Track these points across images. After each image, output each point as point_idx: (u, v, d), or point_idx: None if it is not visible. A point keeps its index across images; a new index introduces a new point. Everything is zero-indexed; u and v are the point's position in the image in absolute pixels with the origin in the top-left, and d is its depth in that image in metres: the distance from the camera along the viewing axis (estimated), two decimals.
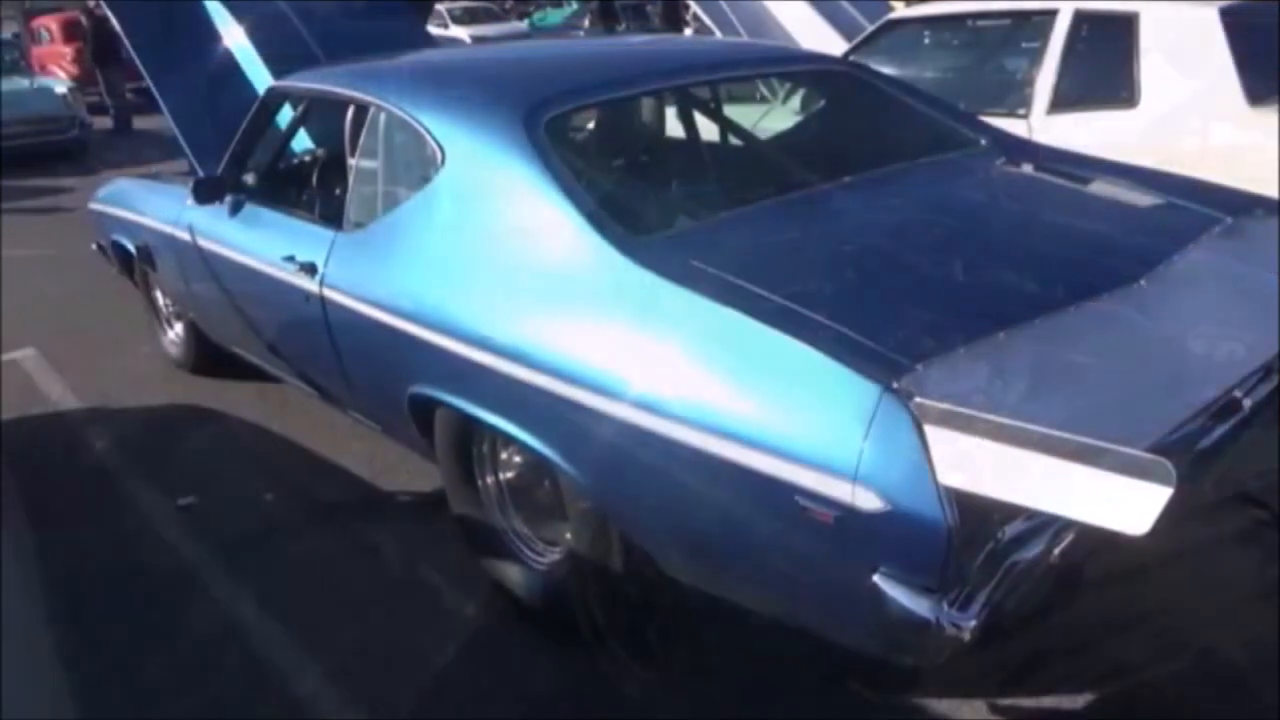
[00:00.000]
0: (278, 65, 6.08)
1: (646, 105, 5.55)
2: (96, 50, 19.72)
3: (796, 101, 7.59)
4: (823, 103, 6.20)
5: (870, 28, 8.24)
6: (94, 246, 7.25)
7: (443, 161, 3.90)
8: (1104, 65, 6.41)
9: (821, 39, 9.29)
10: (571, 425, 3.25)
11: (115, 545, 4.78)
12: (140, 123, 19.32)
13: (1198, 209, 3.83)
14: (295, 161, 5.94)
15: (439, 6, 31.25)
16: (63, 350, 7.35)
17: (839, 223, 3.72)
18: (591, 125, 5.43)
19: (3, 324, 7.48)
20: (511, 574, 3.95)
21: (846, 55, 7.37)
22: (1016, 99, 6.73)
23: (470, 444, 3.95)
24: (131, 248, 6.40)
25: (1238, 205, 3.84)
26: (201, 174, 5.45)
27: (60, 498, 5.21)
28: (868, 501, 2.49)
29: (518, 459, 3.93)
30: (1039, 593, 2.69)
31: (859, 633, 2.78)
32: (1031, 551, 2.62)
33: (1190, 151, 5.45)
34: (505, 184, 3.69)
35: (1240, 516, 3.51)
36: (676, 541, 3.23)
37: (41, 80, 18.51)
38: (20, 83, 17.57)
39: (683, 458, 2.89)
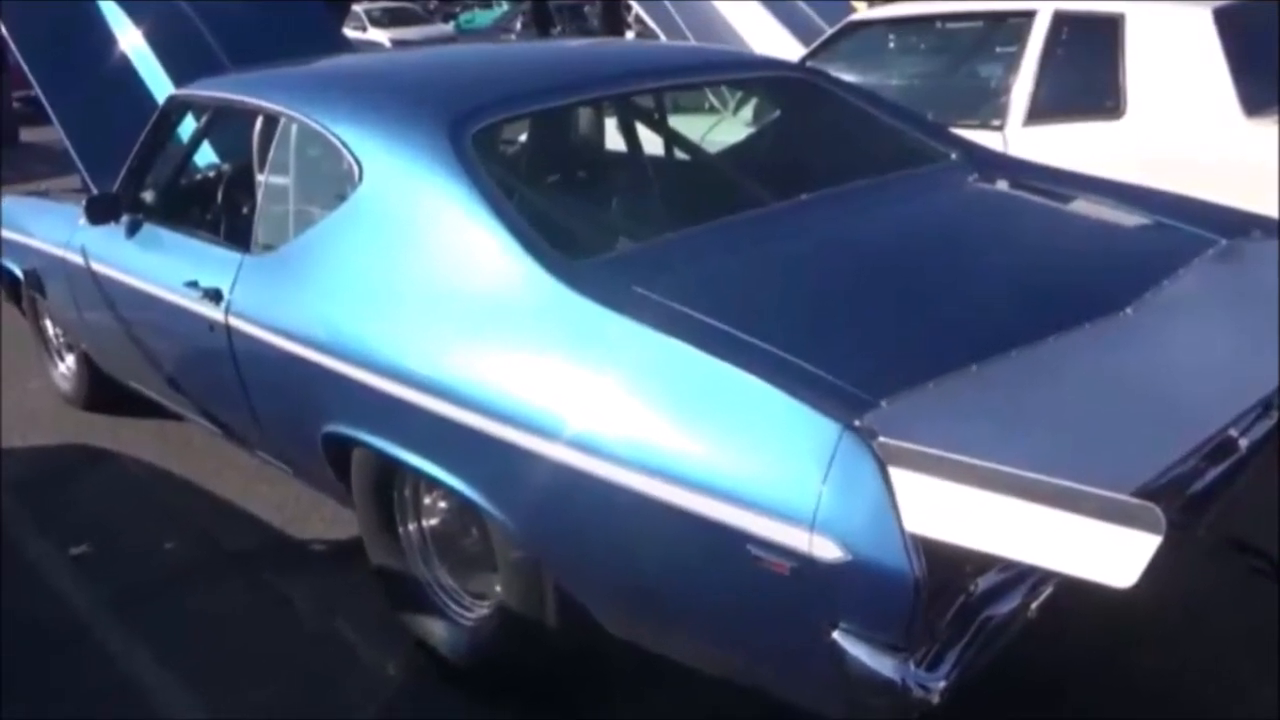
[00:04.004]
0: (179, 71, 6.07)
1: (584, 116, 5.56)
2: None
3: (749, 112, 7.63)
4: (778, 113, 6.21)
5: (830, 30, 8.26)
6: None
7: (360, 178, 3.87)
8: (1087, 72, 6.44)
9: (776, 43, 9.32)
10: (502, 467, 3.22)
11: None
12: (28, 134, 19.15)
13: (1190, 229, 3.86)
14: (199, 177, 5.90)
15: (356, 8, 31.37)
16: None
17: (796, 245, 3.71)
18: (524, 138, 5.43)
19: None
20: (436, 630, 3.90)
21: (804, 61, 7.40)
22: (991, 109, 6.74)
23: (390, 488, 3.91)
24: (18, 272, 6.34)
25: (1233, 225, 3.87)
26: (95, 191, 5.41)
27: None
28: (827, 551, 2.46)
29: (442, 504, 3.90)
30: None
31: (817, 694, 2.75)
32: (1007, 605, 2.62)
33: (1181, 166, 5.43)
34: (429, 202, 3.67)
35: (1236, 564, 3.52)
36: (617, 594, 3.22)
37: None
38: None
39: (624, 503, 2.86)
